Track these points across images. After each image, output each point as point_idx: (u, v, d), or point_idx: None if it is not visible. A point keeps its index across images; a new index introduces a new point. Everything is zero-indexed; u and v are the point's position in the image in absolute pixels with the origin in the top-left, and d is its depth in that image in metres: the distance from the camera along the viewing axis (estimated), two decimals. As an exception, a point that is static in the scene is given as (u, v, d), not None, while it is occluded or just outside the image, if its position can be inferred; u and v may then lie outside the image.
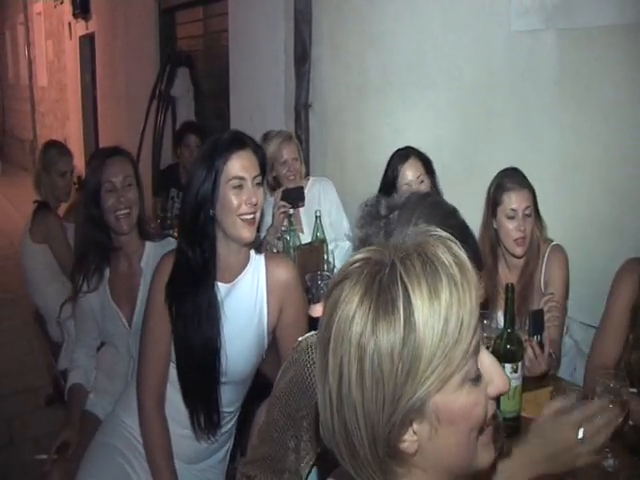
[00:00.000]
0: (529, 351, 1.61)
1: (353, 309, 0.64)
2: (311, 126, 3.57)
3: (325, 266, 2.39)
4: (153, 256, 1.91)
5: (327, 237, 2.60)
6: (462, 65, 2.62)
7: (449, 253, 0.66)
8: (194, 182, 1.46)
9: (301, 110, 3.54)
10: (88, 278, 1.91)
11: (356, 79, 3.23)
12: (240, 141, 1.49)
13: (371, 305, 0.63)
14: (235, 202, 1.45)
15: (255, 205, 1.46)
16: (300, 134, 3.51)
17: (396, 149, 2.37)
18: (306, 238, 2.66)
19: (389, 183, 2.32)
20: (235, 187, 1.45)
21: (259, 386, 1.69)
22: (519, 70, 2.38)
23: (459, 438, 0.67)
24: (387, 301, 0.63)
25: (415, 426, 0.65)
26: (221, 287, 1.53)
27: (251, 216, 1.47)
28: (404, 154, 2.32)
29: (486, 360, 0.69)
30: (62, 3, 8.25)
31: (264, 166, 1.53)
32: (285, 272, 1.58)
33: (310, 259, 2.33)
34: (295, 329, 1.61)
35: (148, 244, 1.95)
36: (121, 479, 1.56)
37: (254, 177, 1.48)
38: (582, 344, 2.07)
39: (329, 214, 2.83)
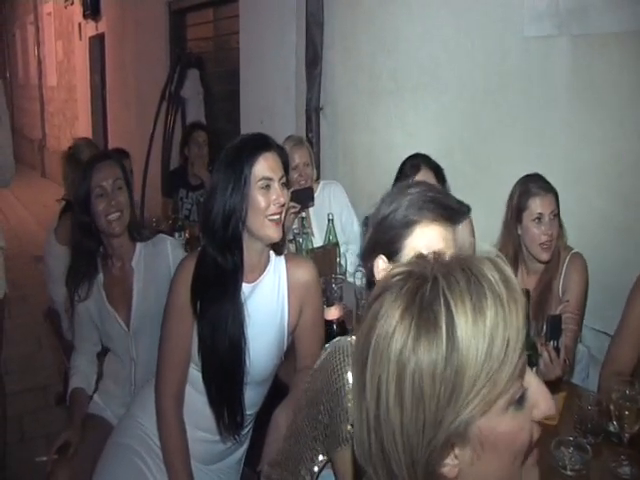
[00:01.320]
0: (545, 355, 1.62)
1: (393, 325, 0.62)
2: (322, 129, 3.58)
3: (337, 269, 2.41)
4: (144, 255, 1.94)
5: (338, 240, 2.61)
6: (474, 70, 2.63)
7: (495, 269, 0.63)
8: (221, 188, 1.46)
9: (312, 113, 3.54)
10: (82, 285, 1.92)
11: (367, 82, 3.24)
12: (265, 143, 1.50)
13: (412, 322, 0.61)
14: (263, 203, 1.46)
15: (282, 205, 1.48)
16: (311, 137, 3.52)
17: (406, 157, 2.37)
18: (317, 242, 2.67)
19: None
20: (263, 188, 1.46)
21: (275, 388, 1.70)
22: (532, 75, 2.39)
23: (502, 464, 0.64)
24: (429, 319, 0.60)
25: (457, 450, 0.62)
26: (244, 287, 1.54)
27: (278, 216, 1.48)
28: (415, 164, 2.32)
29: (533, 382, 0.66)
30: (72, 4, 8.29)
31: (287, 166, 1.54)
32: (306, 273, 1.59)
33: (323, 262, 2.35)
34: (313, 330, 1.63)
35: (139, 245, 1.97)
36: (137, 479, 1.57)
37: (280, 178, 1.49)
38: (594, 350, 2.07)
39: (340, 217, 2.84)
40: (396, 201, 1.13)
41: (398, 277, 0.66)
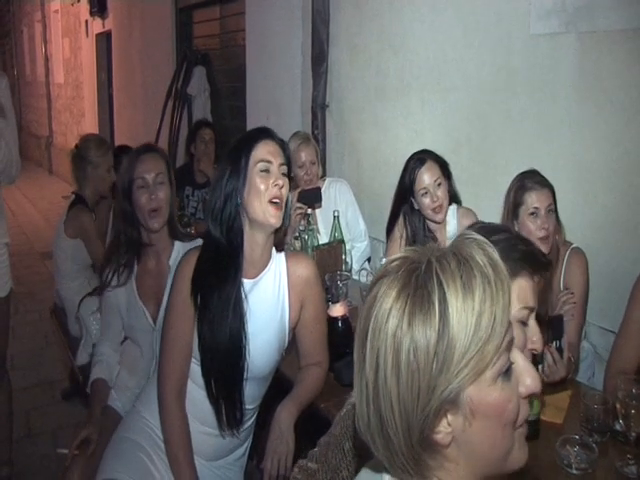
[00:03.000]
0: (548, 358, 1.61)
1: (390, 303, 0.67)
2: (328, 126, 3.58)
3: (343, 266, 2.41)
4: (181, 255, 1.93)
5: (344, 237, 2.61)
6: (481, 67, 2.62)
7: (483, 254, 0.69)
8: (222, 171, 1.49)
9: (318, 110, 3.55)
10: (118, 272, 1.91)
11: (374, 80, 3.24)
12: (266, 131, 1.53)
13: (407, 300, 0.66)
14: (262, 186, 1.46)
15: (282, 188, 1.48)
16: (317, 134, 3.52)
17: (412, 153, 2.38)
18: (322, 239, 2.68)
19: (406, 188, 2.33)
20: (262, 171, 1.47)
21: (278, 384, 1.71)
22: (539, 73, 2.38)
23: (493, 432, 0.69)
24: (423, 296, 0.66)
25: (449, 417, 0.68)
26: (245, 283, 1.54)
27: (277, 200, 1.48)
28: (420, 158, 2.32)
29: (519, 360, 0.71)
30: (79, 1, 8.32)
31: (289, 160, 1.55)
32: (305, 269, 1.60)
33: (328, 259, 2.35)
34: (315, 326, 1.63)
35: (177, 243, 1.96)
36: (142, 474, 1.57)
37: (280, 164, 1.50)
38: (600, 348, 2.07)
39: (345, 215, 2.85)
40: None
41: (396, 262, 0.72)
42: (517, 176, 2.02)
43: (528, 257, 1.09)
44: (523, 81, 2.45)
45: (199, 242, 1.96)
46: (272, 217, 1.48)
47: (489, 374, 0.66)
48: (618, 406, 1.39)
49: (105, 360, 1.98)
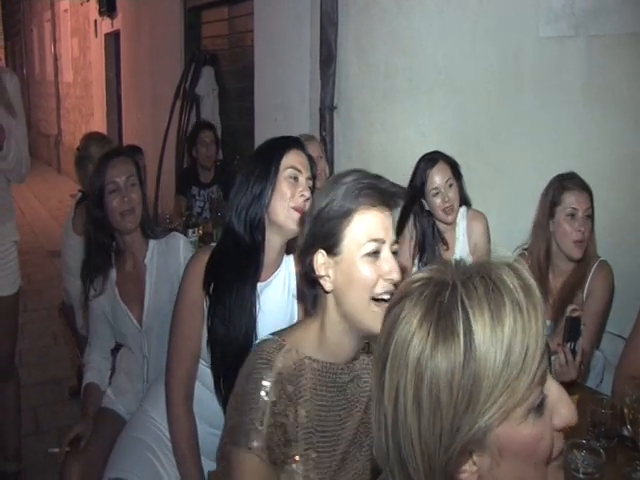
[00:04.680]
0: (561, 357, 1.61)
1: (412, 331, 0.63)
2: (336, 128, 3.58)
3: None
4: (157, 253, 1.95)
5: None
6: (489, 70, 2.62)
7: (514, 276, 0.63)
8: (250, 171, 1.50)
9: (326, 112, 3.55)
10: (92, 281, 1.93)
11: (382, 82, 3.24)
12: (299, 142, 1.56)
13: (430, 329, 0.61)
14: (288, 191, 1.48)
15: (306, 200, 1.49)
16: (325, 136, 3.53)
17: (423, 154, 2.38)
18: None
19: (417, 189, 2.32)
20: (291, 178, 1.48)
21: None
22: (547, 76, 2.38)
23: (522, 472, 0.63)
24: (447, 326, 0.61)
25: (475, 458, 0.62)
26: (258, 284, 1.54)
27: (301, 209, 1.49)
28: (432, 158, 2.31)
29: (553, 390, 0.65)
30: (88, 1, 8.35)
31: (315, 176, 1.58)
32: None
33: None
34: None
35: (151, 242, 1.97)
36: (149, 473, 1.59)
37: (308, 177, 1.52)
38: (609, 354, 2.06)
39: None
40: (332, 192, 1.11)
41: (418, 283, 0.66)
42: (556, 176, 2.01)
43: (373, 189, 1.10)
44: (531, 84, 2.44)
45: (176, 235, 1.98)
46: (293, 222, 1.49)
47: (519, 411, 0.60)
48: (626, 411, 1.38)
49: (96, 367, 2.00)
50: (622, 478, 1.35)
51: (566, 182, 1.96)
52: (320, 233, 1.11)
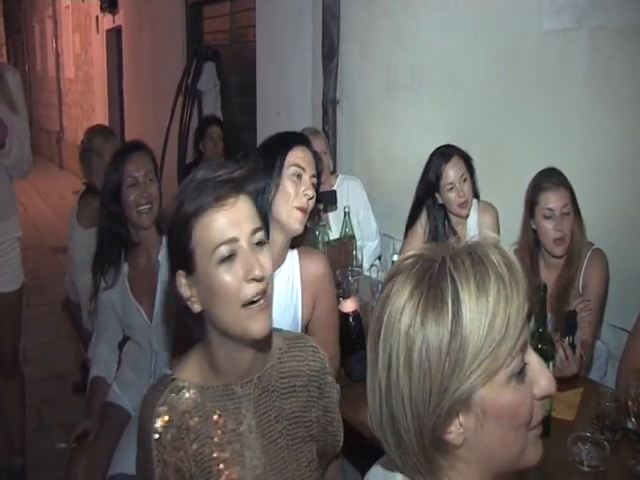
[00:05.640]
0: (560, 352, 1.61)
1: (403, 302, 0.67)
2: (338, 123, 3.58)
3: (354, 262, 2.41)
4: None
5: (355, 234, 2.61)
6: (492, 64, 2.61)
7: (499, 254, 0.68)
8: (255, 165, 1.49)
9: (328, 106, 3.54)
10: (104, 274, 1.92)
11: (385, 76, 3.23)
12: (305, 139, 1.55)
13: (421, 298, 0.66)
14: (292, 190, 1.48)
15: (310, 199, 1.49)
16: (327, 130, 3.52)
17: (435, 147, 2.36)
18: (333, 235, 2.68)
19: (431, 184, 2.31)
20: (295, 175, 1.48)
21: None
22: (550, 70, 2.37)
23: (505, 434, 0.68)
24: (436, 295, 0.65)
25: (461, 418, 0.67)
26: None
27: (304, 208, 1.49)
28: (446, 153, 2.30)
29: (533, 361, 0.69)
30: (90, -3, 8.35)
31: (320, 172, 1.57)
32: (318, 266, 1.60)
33: (339, 255, 2.35)
34: (327, 323, 1.63)
35: (165, 238, 1.97)
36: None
37: (312, 175, 1.51)
38: (612, 347, 2.06)
39: (357, 214, 2.84)
40: (175, 201, 1.00)
41: (410, 260, 0.71)
42: (536, 174, 2.01)
43: (208, 186, 0.97)
44: (535, 78, 2.43)
45: None
46: (296, 222, 1.49)
47: (502, 375, 0.66)
48: (630, 404, 1.38)
49: (103, 360, 2.00)
50: (626, 471, 1.35)
51: (543, 180, 1.96)
52: (174, 252, 1.02)
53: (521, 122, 2.51)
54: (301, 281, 1.59)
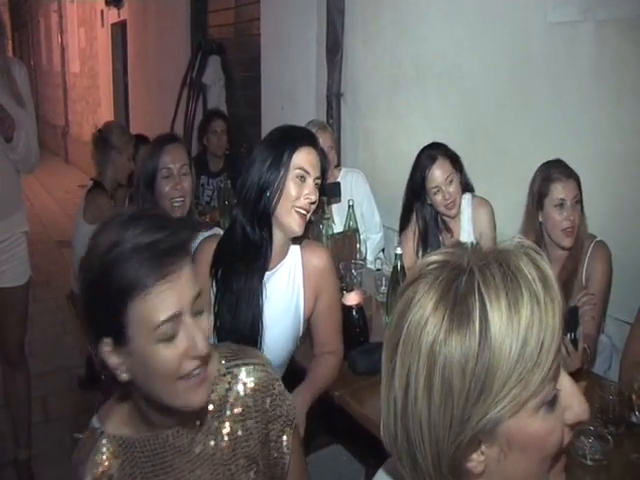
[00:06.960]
0: (562, 349, 1.60)
1: (426, 315, 0.61)
2: (342, 115, 3.57)
3: (357, 255, 2.41)
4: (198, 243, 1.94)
5: (358, 227, 2.60)
6: (497, 56, 2.59)
7: (532, 266, 0.61)
8: (260, 161, 1.49)
9: (333, 99, 3.54)
10: None
11: (389, 69, 3.21)
12: (312, 138, 1.53)
13: (445, 314, 0.60)
14: (294, 193, 1.47)
15: (312, 203, 1.48)
16: (331, 123, 3.51)
17: (424, 145, 2.35)
18: (337, 228, 2.68)
19: (418, 184, 2.31)
20: (298, 177, 1.48)
21: (292, 372, 1.72)
22: (556, 62, 2.35)
23: (530, 465, 0.62)
24: (462, 312, 0.59)
25: (484, 447, 0.62)
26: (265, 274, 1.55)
27: (305, 211, 1.50)
28: (431, 155, 2.29)
29: (566, 385, 0.64)
30: (95, -9, 8.35)
31: (325, 172, 1.56)
32: (320, 259, 1.60)
33: (343, 248, 2.35)
34: (330, 316, 1.64)
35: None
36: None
37: (316, 178, 1.51)
38: (616, 340, 2.05)
39: (360, 206, 2.84)
40: (103, 257, 0.84)
41: (434, 265, 0.64)
42: (541, 165, 2.00)
43: (150, 257, 0.83)
44: (540, 70, 2.42)
45: (218, 231, 1.98)
46: (296, 225, 1.49)
47: (531, 405, 0.59)
48: (634, 397, 1.38)
49: None
50: (630, 464, 1.35)
51: (551, 171, 1.95)
52: (99, 318, 0.87)
53: (526, 114, 2.49)
54: (303, 274, 1.59)
